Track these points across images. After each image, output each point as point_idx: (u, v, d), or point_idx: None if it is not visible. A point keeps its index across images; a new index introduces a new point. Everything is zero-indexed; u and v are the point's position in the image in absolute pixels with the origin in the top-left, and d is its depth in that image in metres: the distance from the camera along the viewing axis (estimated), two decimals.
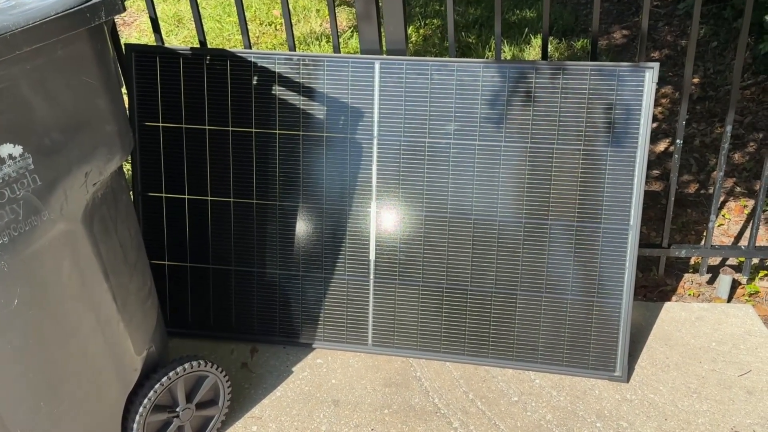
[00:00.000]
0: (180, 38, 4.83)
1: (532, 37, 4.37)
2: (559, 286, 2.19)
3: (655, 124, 3.61)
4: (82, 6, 1.45)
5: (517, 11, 4.78)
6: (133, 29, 5.15)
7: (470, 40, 4.41)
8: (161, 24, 4.94)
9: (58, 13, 1.41)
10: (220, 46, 4.59)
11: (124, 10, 1.55)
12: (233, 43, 4.65)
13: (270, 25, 4.89)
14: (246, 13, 4.97)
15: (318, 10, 5.02)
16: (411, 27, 4.69)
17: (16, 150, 1.42)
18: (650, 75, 2.05)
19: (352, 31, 4.60)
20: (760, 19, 3.63)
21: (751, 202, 3.03)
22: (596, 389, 2.18)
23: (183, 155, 2.32)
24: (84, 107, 1.55)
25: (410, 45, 4.50)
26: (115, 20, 5.24)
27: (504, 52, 4.25)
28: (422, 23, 4.76)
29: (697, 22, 2.15)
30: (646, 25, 2.15)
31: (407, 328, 2.30)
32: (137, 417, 1.83)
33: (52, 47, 1.43)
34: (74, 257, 1.60)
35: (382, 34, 2.25)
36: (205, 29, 4.76)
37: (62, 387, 1.66)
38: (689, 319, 2.42)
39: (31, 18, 1.37)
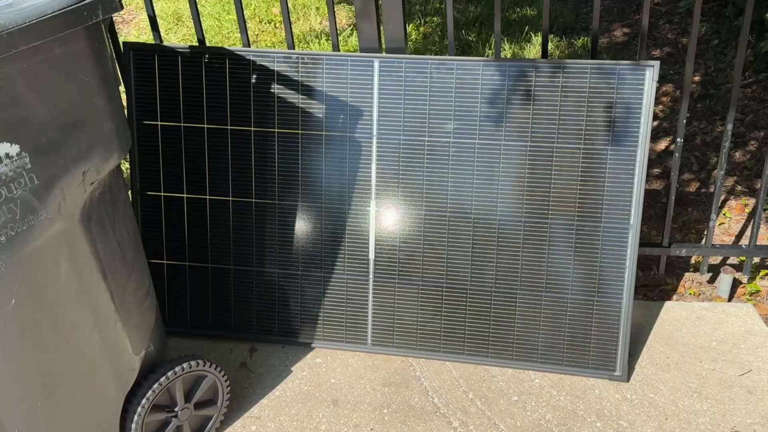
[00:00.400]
0: (179, 36, 4.82)
1: (533, 35, 4.36)
2: (559, 285, 2.18)
3: (655, 123, 3.60)
4: (79, 4, 1.45)
5: (518, 9, 4.77)
6: (132, 27, 5.14)
7: (470, 38, 4.40)
8: (160, 22, 4.93)
9: (55, 12, 1.40)
10: (219, 44, 4.58)
11: (122, 8, 1.54)
12: (232, 41, 4.64)
13: (269, 23, 4.88)
14: (245, 11, 4.97)
15: (318, 8, 5.01)
16: (411, 25, 4.68)
17: (13, 149, 1.41)
18: (650, 73, 2.04)
19: (351, 29, 4.59)
20: (761, 17, 3.62)
21: (752, 201, 3.02)
22: (596, 389, 2.17)
23: (181, 154, 2.31)
24: (81, 106, 1.54)
25: (410, 43, 4.49)
26: (114, 18, 5.22)
27: (504, 50, 4.24)
28: (422, 21, 4.75)
29: (697, 20, 2.14)
30: (646, 24, 2.14)
31: (407, 327, 2.29)
32: (135, 417, 1.83)
33: (49, 46, 1.42)
34: (72, 257, 1.59)
35: (382, 32, 2.24)
36: (205, 27, 4.75)
37: (60, 387, 1.66)
38: (690, 318, 2.42)
39: (28, 16, 1.36)
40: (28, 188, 1.46)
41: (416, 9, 4.90)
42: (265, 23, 4.88)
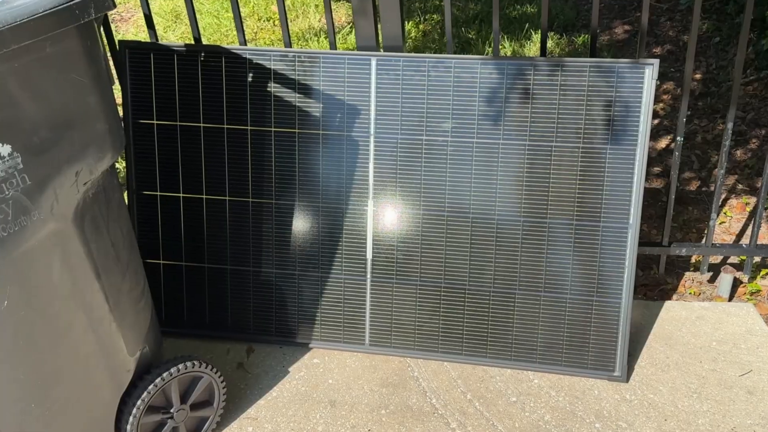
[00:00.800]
0: (177, 34, 4.81)
1: (533, 33, 4.34)
2: (557, 285, 2.17)
3: (656, 121, 3.58)
4: (71, 3, 1.43)
5: (518, 6, 4.75)
6: (131, 25, 5.13)
7: (470, 36, 4.38)
8: (159, 19, 4.92)
9: (46, 10, 1.39)
10: (218, 42, 4.57)
11: (114, 6, 1.53)
12: (231, 39, 4.62)
13: (268, 20, 4.86)
14: (244, 9, 4.95)
15: (316, 6, 4.99)
16: (410, 22, 4.66)
17: (5, 149, 1.40)
18: (650, 72, 2.02)
19: (350, 27, 4.57)
20: (763, 15, 3.60)
21: (752, 200, 3.01)
22: (595, 389, 2.16)
23: (177, 153, 2.30)
24: (74, 105, 1.53)
25: (410, 41, 4.47)
26: (112, 16, 5.19)
27: (504, 47, 4.22)
28: (422, 18, 4.73)
29: (697, 18, 2.12)
30: (646, 21, 2.13)
31: (404, 327, 2.28)
32: (130, 418, 1.82)
33: (40, 45, 1.41)
34: (65, 257, 1.58)
35: (379, 30, 2.22)
36: (203, 25, 4.74)
37: (54, 388, 1.64)
38: (690, 318, 2.40)
39: (19, 15, 1.35)
40: (21, 189, 1.44)
41: (416, 6, 4.88)
42: (264, 21, 4.86)
